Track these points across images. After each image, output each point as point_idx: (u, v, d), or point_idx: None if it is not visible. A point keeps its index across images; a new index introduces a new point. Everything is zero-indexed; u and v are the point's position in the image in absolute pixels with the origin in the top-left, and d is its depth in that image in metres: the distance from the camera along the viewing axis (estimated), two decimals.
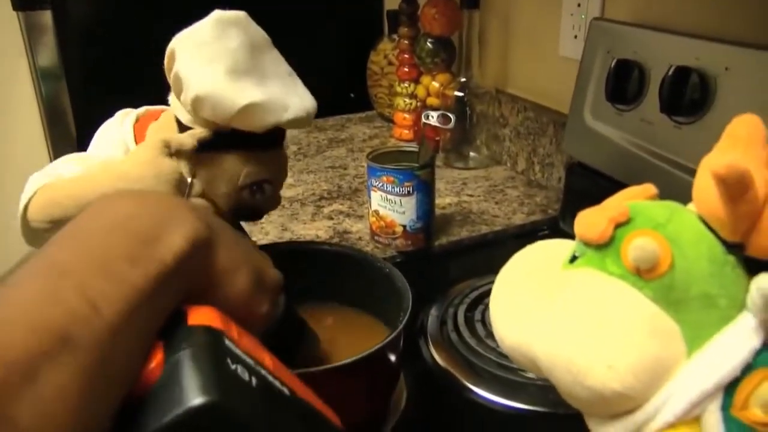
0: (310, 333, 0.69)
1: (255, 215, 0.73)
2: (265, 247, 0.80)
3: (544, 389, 0.70)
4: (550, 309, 0.44)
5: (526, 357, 0.46)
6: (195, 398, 0.36)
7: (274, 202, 0.73)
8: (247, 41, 0.64)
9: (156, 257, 0.40)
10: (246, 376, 0.40)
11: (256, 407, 0.40)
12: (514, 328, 0.47)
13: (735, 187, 0.38)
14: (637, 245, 0.41)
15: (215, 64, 0.62)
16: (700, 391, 0.39)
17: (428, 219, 0.99)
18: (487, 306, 0.82)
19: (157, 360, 0.39)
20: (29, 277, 0.37)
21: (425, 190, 0.96)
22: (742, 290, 0.40)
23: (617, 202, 0.45)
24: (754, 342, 0.39)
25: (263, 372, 0.43)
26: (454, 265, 1.01)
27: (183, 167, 0.63)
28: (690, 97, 0.83)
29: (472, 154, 1.35)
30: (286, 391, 0.44)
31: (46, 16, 1.49)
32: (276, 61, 0.69)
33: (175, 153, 0.62)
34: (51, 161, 0.69)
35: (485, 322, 0.81)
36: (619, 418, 0.43)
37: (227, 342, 0.41)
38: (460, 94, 1.31)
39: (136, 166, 0.60)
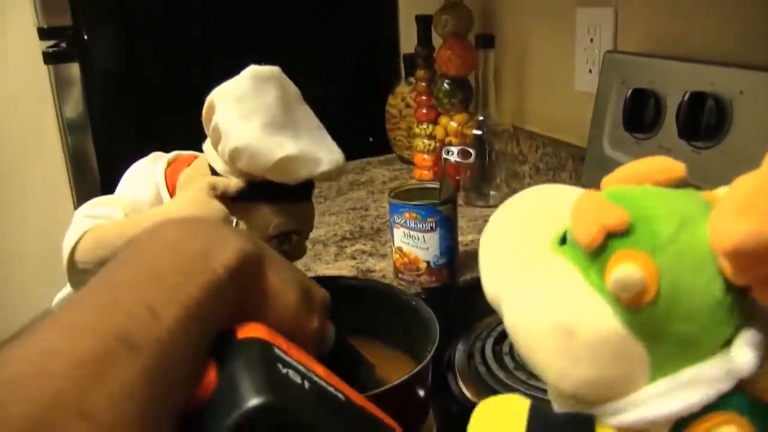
0: (365, 362, 0.69)
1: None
2: None
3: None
4: (525, 286, 0.42)
5: (500, 312, 0.45)
6: (250, 400, 0.37)
7: (300, 251, 0.76)
8: (281, 95, 0.68)
9: (209, 269, 0.42)
10: (298, 379, 0.42)
11: (311, 408, 0.41)
12: (494, 283, 0.45)
13: (750, 260, 0.34)
14: (622, 273, 0.36)
15: (254, 118, 0.65)
16: (651, 415, 0.38)
17: (452, 255, 1.00)
18: None
19: (211, 375, 0.40)
20: (91, 291, 0.39)
21: (448, 226, 0.97)
22: (729, 333, 0.37)
23: (617, 212, 0.39)
24: (724, 385, 0.37)
25: (315, 377, 0.44)
26: (479, 301, 0.99)
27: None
28: (707, 122, 0.84)
29: (492, 192, 1.36)
30: (340, 396, 0.45)
31: (74, 69, 1.54)
32: (307, 115, 0.73)
33: (221, 195, 0.65)
34: (75, 208, 0.71)
35: (513, 355, 0.81)
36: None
37: (276, 350, 0.43)
38: (479, 132, 1.32)
39: (183, 207, 0.63)
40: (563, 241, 0.42)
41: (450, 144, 1.39)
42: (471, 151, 0.96)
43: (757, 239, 0.32)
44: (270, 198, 0.70)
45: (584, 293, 0.39)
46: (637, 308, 0.36)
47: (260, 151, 0.65)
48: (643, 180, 0.41)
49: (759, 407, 0.37)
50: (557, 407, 0.45)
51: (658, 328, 0.37)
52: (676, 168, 0.41)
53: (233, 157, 0.65)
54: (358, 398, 0.48)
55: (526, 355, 0.41)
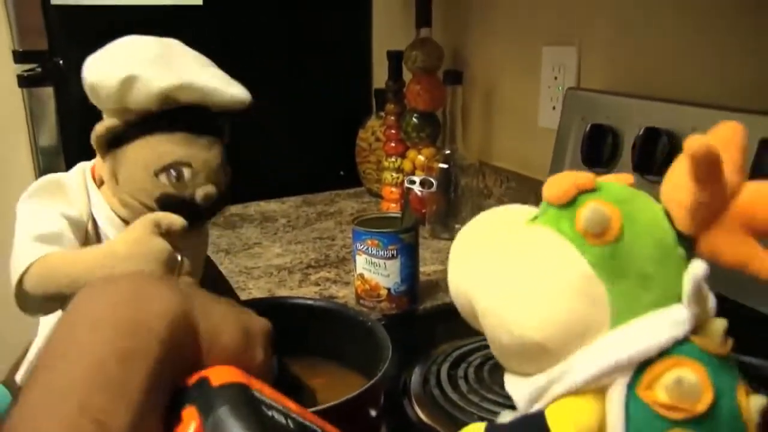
0: (306, 387, 0.70)
1: (191, 213, 0.70)
2: (246, 303, 0.82)
3: None
4: (496, 258, 0.47)
5: (468, 303, 0.48)
6: None
7: (209, 197, 0.71)
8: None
9: (145, 350, 0.42)
10: (283, 419, 0.43)
11: None
12: (463, 273, 0.49)
13: (705, 169, 0.40)
14: (591, 208, 0.43)
15: (142, 58, 0.69)
16: (613, 360, 0.41)
17: (412, 282, 1.01)
18: (470, 364, 0.83)
19: (196, 425, 0.40)
20: (37, 400, 0.39)
21: (409, 254, 0.99)
22: (680, 284, 0.42)
23: (588, 175, 0.47)
24: (677, 332, 0.41)
25: (294, 415, 0.45)
26: (438, 328, 1.02)
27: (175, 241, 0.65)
28: (660, 156, 0.87)
29: (457, 225, 1.37)
30: (319, 430, 0.47)
31: (48, 93, 1.54)
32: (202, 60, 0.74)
33: (165, 232, 0.64)
34: None
35: (468, 378, 0.82)
36: (531, 376, 0.45)
37: (255, 392, 0.43)
38: (445, 166, 1.34)
39: (126, 245, 0.62)
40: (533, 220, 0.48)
41: (413, 174, 1.41)
42: (432, 181, 0.98)
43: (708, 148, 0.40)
44: (161, 128, 0.69)
45: (552, 241, 0.44)
46: (603, 243, 0.43)
47: (151, 79, 0.67)
48: None
49: (706, 354, 0.42)
50: (512, 380, 0.48)
51: (620, 267, 0.42)
52: (629, 177, 0.50)
53: (124, 88, 0.67)
54: (333, 429, 0.49)
55: (498, 316, 0.45)
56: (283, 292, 1.10)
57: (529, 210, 0.51)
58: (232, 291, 0.93)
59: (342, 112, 1.79)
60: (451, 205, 1.37)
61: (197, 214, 0.72)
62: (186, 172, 0.69)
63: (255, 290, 1.11)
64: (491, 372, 0.81)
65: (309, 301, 0.84)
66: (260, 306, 0.80)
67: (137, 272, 0.60)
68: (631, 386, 0.42)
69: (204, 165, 0.71)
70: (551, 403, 0.44)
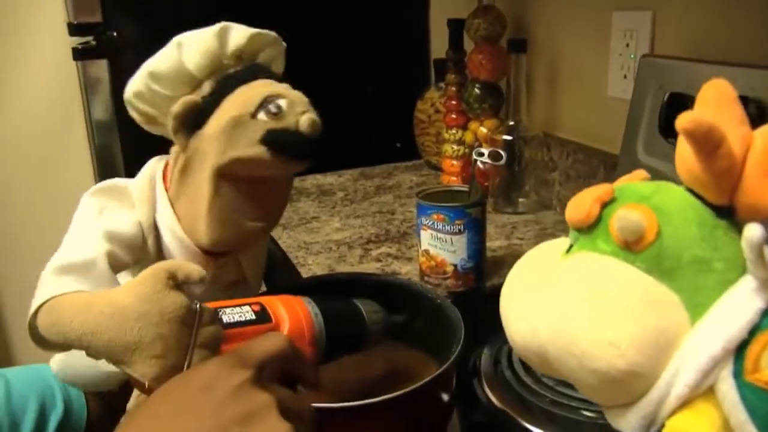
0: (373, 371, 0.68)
1: (295, 145, 0.67)
2: (309, 280, 0.79)
3: (602, 427, 0.66)
4: (550, 297, 0.44)
5: (537, 352, 0.45)
6: None
7: (314, 124, 0.67)
8: None
9: None
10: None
11: None
12: (522, 323, 0.46)
13: (704, 142, 0.39)
14: (621, 216, 0.42)
15: None
16: (708, 357, 0.39)
17: (479, 258, 0.97)
18: None
19: None
20: None
21: (476, 229, 0.95)
22: (740, 253, 0.40)
23: (604, 186, 0.46)
24: (758, 302, 0.38)
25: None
26: None
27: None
28: None
29: (521, 199, 1.34)
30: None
31: (103, 66, 1.54)
32: None
33: (182, 284, 0.55)
34: None
35: None
36: (634, 404, 0.42)
37: None
38: (509, 138, 1.30)
39: (137, 301, 0.53)
40: (568, 251, 0.47)
41: (480, 146, 1.37)
42: (502, 153, 0.94)
43: (707, 116, 0.38)
44: (240, 83, 0.68)
45: (600, 262, 0.42)
46: (646, 246, 0.41)
47: (241, 28, 0.68)
48: None
49: None
50: (615, 414, 0.45)
51: (674, 262, 0.41)
52: (642, 173, 0.51)
53: (221, 38, 0.68)
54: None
55: (575, 359, 0.41)
56: (343, 268, 1.07)
57: (560, 243, 0.49)
58: (292, 267, 0.91)
59: (398, 84, 1.76)
60: (515, 178, 1.33)
61: (305, 146, 0.67)
62: (283, 103, 0.66)
63: (314, 266, 1.09)
64: None
65: (373, 277, 0.81)
66: (320, 282, 0.78)
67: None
68: (737, 375, 0.39)
69: (297, 96, 0.68)
70: (667, 425, 0.41)
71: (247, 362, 0.51)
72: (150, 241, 0.70)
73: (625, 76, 1.15)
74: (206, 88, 0.69)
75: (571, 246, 0.46)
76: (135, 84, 0.70)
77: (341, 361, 0.67)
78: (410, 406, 0.60)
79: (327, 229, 1.24)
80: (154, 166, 0.73)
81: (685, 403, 0.40)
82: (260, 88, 0.67)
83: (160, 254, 0.70)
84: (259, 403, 0.48)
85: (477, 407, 0.75)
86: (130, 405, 0.65)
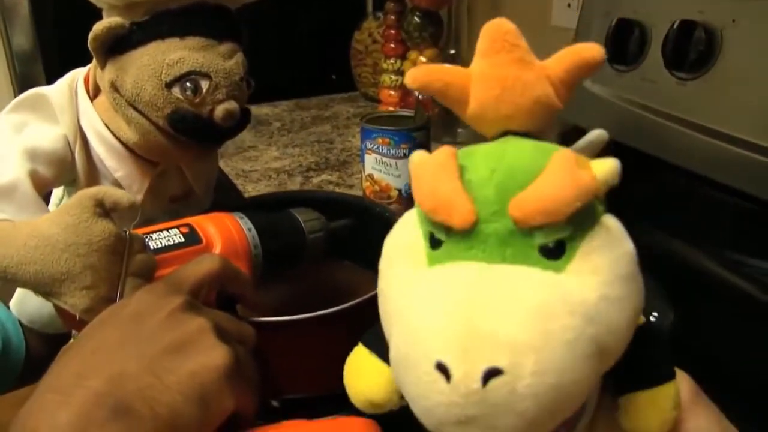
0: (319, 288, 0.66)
1: (208, 134, 0.63)
2: (254, 199, 0.76)
3: None
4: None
5: None
6: None
7: (230, 115, 0.62)
8: None
9: None
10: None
11: None
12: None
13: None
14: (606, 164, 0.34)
15: None
16: None
17: None
18: None
19: None
20: None
21: None
22: None
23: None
24: None
25: None
26: None
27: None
28: (694, 53, 0.81)
29: (459, 129, 1.33)
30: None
31: None
32: None
33: (110, 211, 0.51)
34: None
35: None
36: None
37: None
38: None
39: (64, 232, 0.49)
40: (434, 246, 0.36)
41: None
42: None
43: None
44: (176, 28, 0.61)
45: (554, 286, 0.33)
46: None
47: None
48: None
49: None
50: None
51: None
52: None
53: None
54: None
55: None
56: None
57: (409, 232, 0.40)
58: (236, 190, 0.88)
59: (333, 14, 1.71)
60: None
61: (214, 135, 0.64)
62: (204, 85, 0.60)
63: (254, 193, 1.06)
64: None
65: (318, 194, 0.78)
66: (272, 201, 0.75)
67: None
68: None
69: (225, 77, 0.61)
70: None
71: (179, 288, 0.49)
72: (77, 152, 0.65)
73: (569, 5, 1.15)
74: (137, 11, 0.62)
75: (435, 240, 0.36)
76: None
77: (282, 278, 0.65)
78: (354, 319, 0.59)
79: (265, 158, 1.21)
80: (74, 73, 0.69)
81: None
82: (188, 54, 0.60)
83: (91, 165, 0.66)
84: (194, 329, 0.46)
85: None
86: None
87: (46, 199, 0.70)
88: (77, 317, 0.49)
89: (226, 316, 0.51)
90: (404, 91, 1.41)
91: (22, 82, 1.53)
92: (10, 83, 1.59)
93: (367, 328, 0.58)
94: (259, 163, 1.19)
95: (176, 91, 0.60)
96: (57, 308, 0.51)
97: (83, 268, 0.49)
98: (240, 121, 0.64)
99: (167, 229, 0.56)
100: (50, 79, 1.42)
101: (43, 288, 0.49)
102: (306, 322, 0.55)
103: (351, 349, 0.44)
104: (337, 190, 1.07)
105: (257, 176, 1.13)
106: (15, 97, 0.65)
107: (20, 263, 0.48)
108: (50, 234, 0.49)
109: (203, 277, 0.51)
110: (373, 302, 0.57)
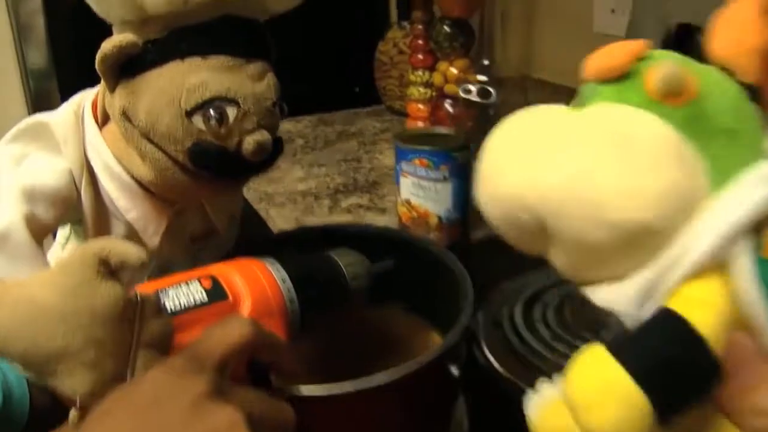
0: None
1: (235, 169, 0.55)
2: (282, 235, 0.69)
3: None
4: (564, 144, 0.40)
5: (530, 206, 0.40)
6: None
7: (262, 148, 0.54)
8: None
9: None
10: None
11: None
12: (518, 173, 0.40)
13: None
14: (665, 68, 0.38)
15: None
16: (733, 222, 0.36)
17: (466, 209, 0.88)
18: (547, 304, 0.71)
19: None
20: None
21: (463, 175, 0.85)
22: (762, 133, 0.40)
23: (637, 41, 0.42)
24: None
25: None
26: (497, 262, 0.89)
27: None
28: None
29: None
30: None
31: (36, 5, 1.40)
32: None
33: (117, 270, 0.41)
34: None
35: (548, 322, 0.70)
36: (635, 271, 0.38)
37: None
38: (483, 79, 1.20)
39: (62, 298, 0.40)
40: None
41: (449, 95, 1.27)
42: (491, 90, 0.84)
43: None
44: (197, 47, 0.52)
45: (630, 112, 0.39)
46: (684, 103, 0.38)
47: None
48: None
49: None
50: (604, 289, 0.40)
51: (706, 126, 0.39)
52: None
53: None
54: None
55: (585, 208, 0.37)
56: (311, 221, 0.97)
57: (554, 108, 0.44)
58: (263, 225, 0.80)
59: (356, 25, 1.65)
60: (489, 122, 1.23)
61: (242, 171, 0.56)
62: (231, 112, 0.52)
63: (279, 219, 0.98)
64: (576, 314, 0.69)
65: (355, 229, 0.70)
66: (302, 236, 0.67)
67: None
68: (754, 251, 0.37)
69: (255, 103, 0.53)
70: (669, 297, 0.38)
71: (202, 364, 0.40)
72: (84, 188, 0.57)
73: (613, 10, 1.07)
74: (153, 28, 0.54)
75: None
76: None
77: (319, 330, 0.56)
78: (415, 386, 0.50)
79: (289, 179, 1.14)
80: (81, 96, 0.61)
81: (694, 276, 0.37)
82: (211, 77, 0.52)
83: (99, 204, 0.58)
84: (224, 423, 0.37)
85: (481, 378, 0.66)
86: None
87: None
88: (77, 403, 0.40)
89: (260, 396, 0.42)
90: (434, 105, 1.33)
91: (36, 100, 1.49)
92: (24, 101, 1.54)
93: (426, 397, 0.50)
94: (283, 184, 1.11)
95: (198, 120, 0.52)
96: (53, 390, 0.42)
97: (85, 342, 0.39)
98: (272, 154, 0.55)
99: (186, 283, 0.47)
100: (65, 97, 1.37)
101: (34, 368, 0.40)
102: (353, 396, 0.46)
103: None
104: (369, 214, 0.99)
105: (281, 200, 1.05)
106: (29, 114, 0.58)
107: (7, 338, 0.39)
108: (44, 300, 0.39)
109: (231, 348, 0.42)
110: (437, 362, 0.49)
